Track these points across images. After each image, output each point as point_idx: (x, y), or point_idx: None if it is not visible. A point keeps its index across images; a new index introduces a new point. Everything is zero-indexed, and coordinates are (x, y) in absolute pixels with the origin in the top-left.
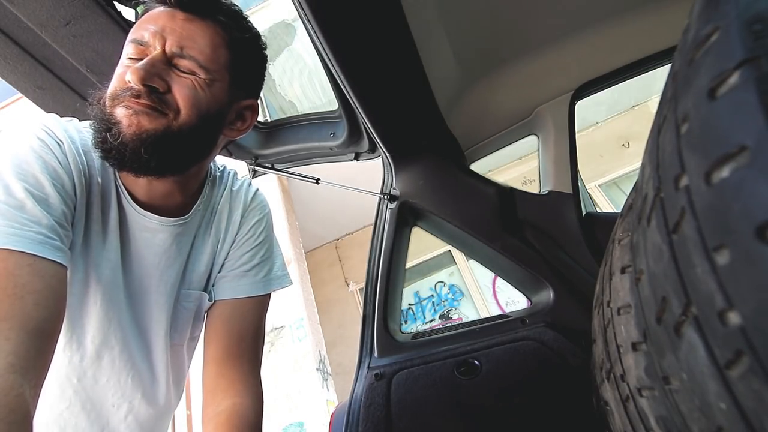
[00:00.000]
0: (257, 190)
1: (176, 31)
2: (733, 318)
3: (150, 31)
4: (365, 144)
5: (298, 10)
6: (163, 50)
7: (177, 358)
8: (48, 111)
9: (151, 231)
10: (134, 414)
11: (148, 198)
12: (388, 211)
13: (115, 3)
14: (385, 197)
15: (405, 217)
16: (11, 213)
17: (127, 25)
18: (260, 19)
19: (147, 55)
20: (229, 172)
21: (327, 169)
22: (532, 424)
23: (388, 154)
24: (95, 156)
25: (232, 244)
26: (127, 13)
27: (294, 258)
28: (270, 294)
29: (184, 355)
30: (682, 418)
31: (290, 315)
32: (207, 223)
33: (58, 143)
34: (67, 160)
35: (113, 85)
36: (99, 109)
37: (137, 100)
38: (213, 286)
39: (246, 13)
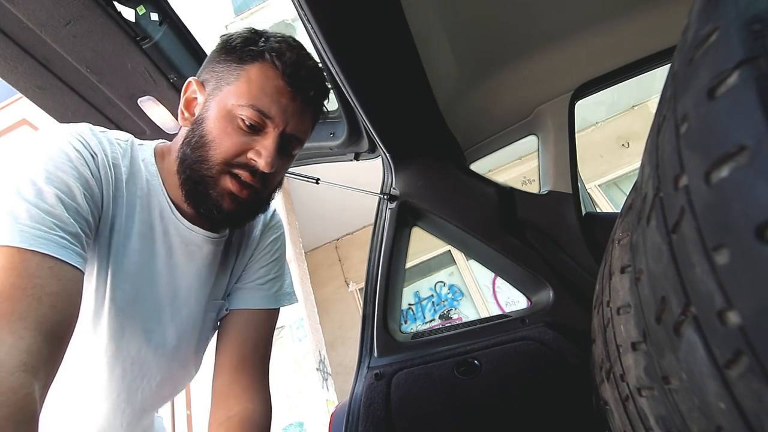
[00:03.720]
0: (275, 209)
1: (295, 116)
2: (733, 318)
3: (275, 108)
4: (365, 144)
5: (298, 10)
6: (283, 131)
7: (196, 364)
8: (48, 111)
9: (198, 245)
10: (137, 421)
11: (194, 212)
12: (388, 211)
13: (115, 3)
14: (385, 197)
15: (405, 217)
16: (40, 216)
17: (127, 26)
18: (260, 19)
19: (265, 125)
20: None
21: (327, 169)
22: (532, 423)
23: (387, 154)
24: (123, 170)
25: (250, 258)
26: (127, 13)
27: (294, 258)
28: (279, 309)
29: (200, 361)
30: (682, 417)
31: (290, 315)
32: (232, 237)
33: (92, 156)
34: (99, 173)
35: (228, 149)
36: (203, 165)
37: (252, 177)
38: (229, 295)
39: (246, 12)
